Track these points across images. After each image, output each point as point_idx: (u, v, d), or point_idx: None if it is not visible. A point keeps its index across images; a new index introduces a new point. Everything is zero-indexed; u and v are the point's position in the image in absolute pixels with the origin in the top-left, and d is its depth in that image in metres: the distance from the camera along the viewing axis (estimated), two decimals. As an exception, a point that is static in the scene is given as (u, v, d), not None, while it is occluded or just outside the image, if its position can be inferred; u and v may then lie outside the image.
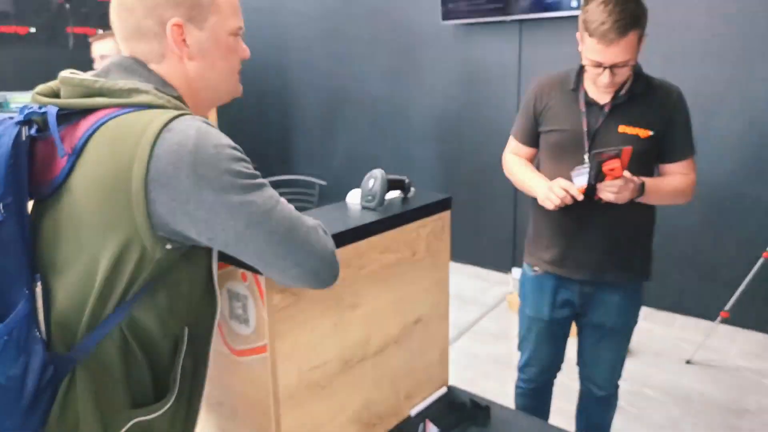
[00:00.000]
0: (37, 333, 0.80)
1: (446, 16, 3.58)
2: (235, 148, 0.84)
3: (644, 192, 1.55)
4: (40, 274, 0.83)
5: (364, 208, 1.28)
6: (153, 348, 0.88)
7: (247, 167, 0.85)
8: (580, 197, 1.53)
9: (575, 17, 3.05)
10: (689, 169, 1.64)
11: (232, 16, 0.94)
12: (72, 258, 0.82)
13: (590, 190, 1.52)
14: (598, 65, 1.50)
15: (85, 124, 0.82)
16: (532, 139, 1.77)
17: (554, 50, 3.31)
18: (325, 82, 4.48)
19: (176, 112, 0.82)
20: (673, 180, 1.62)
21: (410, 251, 1.30)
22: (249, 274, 1.00)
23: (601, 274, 1.68)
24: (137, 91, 0.84)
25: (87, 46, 2.91)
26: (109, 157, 0.79)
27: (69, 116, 0.84)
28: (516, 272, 3.77)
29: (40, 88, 0.90)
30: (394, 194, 1.37)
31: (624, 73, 1.52)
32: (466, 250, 3.87)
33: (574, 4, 3.06)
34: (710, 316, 2.98)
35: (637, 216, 1.65)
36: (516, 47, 3.47)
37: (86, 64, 3.01)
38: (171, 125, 0.79)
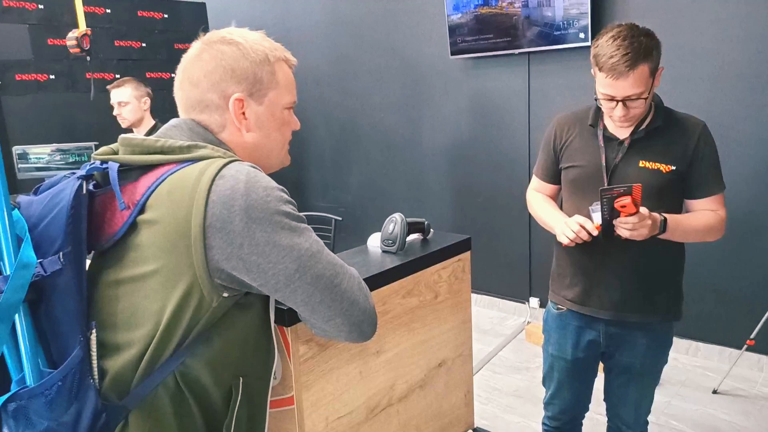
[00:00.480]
0: (91, 380, 0.82)
1: (454, 51, 3.63)
2: (282, 191, 0.88)
3: (666, 229, 1.51)
4: (96, 321, 0.85)
5: (384, 251, 1.29)
6: (206, 397, 0.89)
7: (295, 210, 0.89)
8: (596, 233, 1.52)
9: (582, 48, 3.12)
10: (718, 206, 1.59)
11: (288, 92, 1.01)
12: (135, 309, 0.84)
13: (608, 228, 1.50)
14: (611, 99, 1.50)
15: (147, 181, 0.86)
16: (554, 176, 1.77)
17: (562, 81, 3.34)
18: (337, 116, 4.54)
19: (226, 159, 0.86)
20: (700, 216, 1.58)
21: (432, 294, 1.30)
22: (274, 325, 1.01)
23: (625, 314, 1.64)
24: (196, 146, 0.89)
25: (107, 91, 3.00)
26: (169, 209, 0.82)
27: (129, 173, 0.88)
28: (534, 302, 3.73)
29: (100, 150, 0.93)
30: (414, 237, 1.38)
31: (638, 107, 1.50)
32: (481, 280, 3.85)
33: (581, 36, 3.09)
34: (734, 344, 2.93)
35: (662, 254, 1.60)
36: (525, 79, 3.50)
37: (105, 109, 3.09)
38: (222, 172, 0.83)
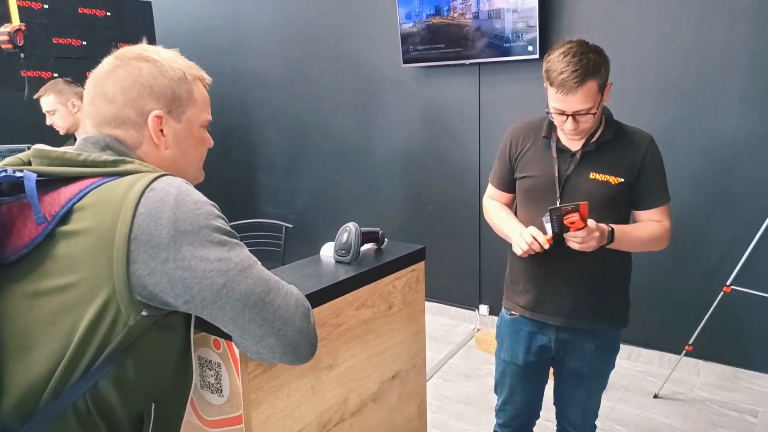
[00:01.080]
0: None
1: (407, 60, 3.65)
2: (214, 206, 0.86)
3: (613, 239, 1.56)
4: None
5: (338, 262, 1.26)
6: (116, 422, 0.83)
7: (226, 225, 0.86)
8: (547, 246, 1.55)
9: (530, 61, 3.19)
10: (663, 216, 1.66)
11: (204, 110, 1.00)
12: (46, 325, 0.79)
13: (559, 241, 1.54)
14: (562, 113, 1.54)
15: (68, 192, 0.82)
16: (509, 185, 1.80)
17: (511, 92, 3.40)
18: (287, 120, 4.47)
19: (158, 173, 0.85)
20: (647, 227, 1.64)
21: (386, 305, 1.28)
22: (221, 340, 0.96)
23: (575, 321, 1.68)
24: (123, 161, 0.87)
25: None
26: (93, 221, 0.79)
27: (46, 184, 0.83)
28: (483, 309, 3.77)
29: (9, 160, 0.89)
30: (368, 246, 1.35)
31: (587, 121, 1.55)
32: (432, 287, 3.86)
33: (530, 48, 3.16)
34: (674, 350, 3.04)
35: (611, 263, 1.65)
36: (475, 89, 3.55)
37: (41, 110, 2.92)
38: (153, 185, 0.82)
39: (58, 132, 2.93)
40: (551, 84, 1.52)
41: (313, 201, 4.46)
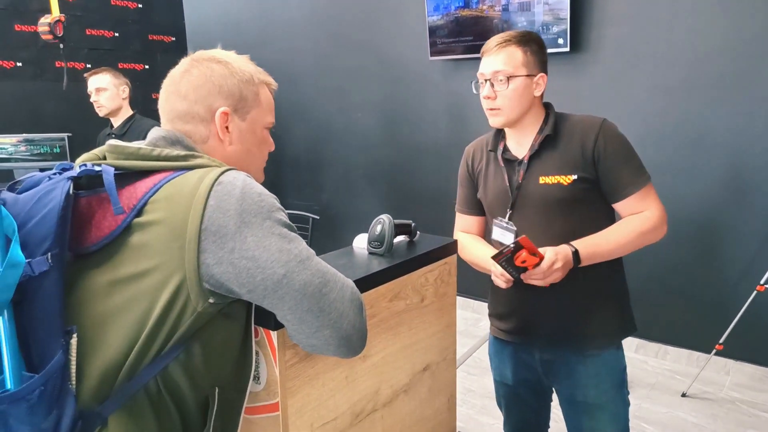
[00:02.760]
0: (70, 385, 0.81)
1: (434, 53, 3.63)
2: (275, 199, 0.91)
3: (580, 259, 1.40)
4: (77, 325, 0.83)
5: (371, 253, 1.27)
6: (184, 404, 0.88)
7: (286, 218, 0.90)
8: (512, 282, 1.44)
9: (561, 54, 3.15)
10: (644, 203, 1.45)
11: (268, 112, 1.08)
12: (123, 311, 0.83)
13: (519, 280, 1.42)
14: (483, 78, 1.51)
15: (144, 186, 0.87)
16: (476, 206, 1.69)
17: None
18: (313, 114, 4.49)
19: (225, 168, 0.90)
20: (622, 227, 1.46)
21: (419, 297, 1.28)
22: (260, 329, 0.97)
23: (555, 341, 1.54)
24: (193, 156, 0.92)
25: (79, 81, 2.90)
26: (167, 212, 0.84)
27: (122, 178, 0.88)
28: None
29: (85, 155, 0.94)
30: (400, 239, 1.36)
31: (504, 89, 1.46)
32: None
33: (560, 41, 3.12)
34: (702, 348, 2.99)
35: (593, 275, 1.47)
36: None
37: (76, 100, 2.98)
38: (221, 179, 0.86)
39: (94, 120, 2.98)
40: (480, 54, 1.53)
41: (337, 195, 4.48)
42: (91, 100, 2.90)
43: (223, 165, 0.93)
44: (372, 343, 1.15)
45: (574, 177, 1.45)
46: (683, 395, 2.82)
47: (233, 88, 1.00)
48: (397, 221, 1.30)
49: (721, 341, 2.74)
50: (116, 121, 2.97)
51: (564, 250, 1.39)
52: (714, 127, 2.86)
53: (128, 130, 2.92)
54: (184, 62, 1.02)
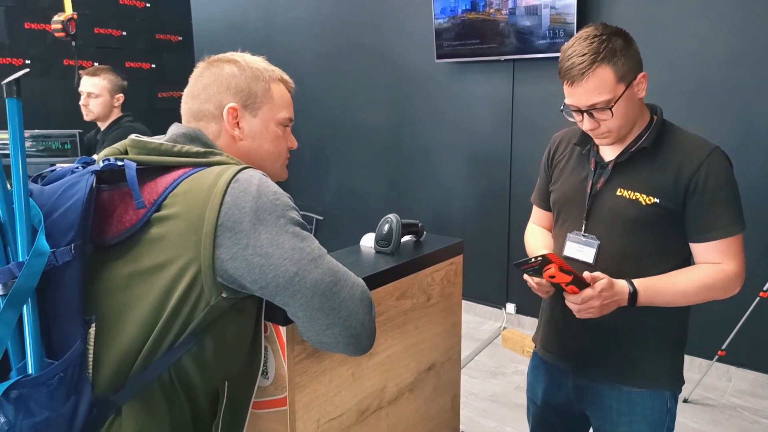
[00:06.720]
0: (87, 373, 0.83)
1: (440, 55, 3.64)
2: (289, 198, 0.93)
3: (636, 302, 1.23)
4: (96, 315, 0.85)
5: (378, 252, 1.28)
6: (195, 396, 0.91)
7: (299, 217, 0.92)
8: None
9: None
10: (729, 253, 1.27)
11: (283, 108, 1.08)
12: (139, 302, 0.85)
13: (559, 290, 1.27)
14: (577, 110, 1.27)
15: (165, 181, 0.89)
16: (549, 200, 1.53)
17: (547, 89, 3.37)
18: (318, 115, 4.51)
19: (241, 166, 0.92)
20: (693, 274, 1.27)
21: (425, 296, 1.29)
22: (269, 324, 0.98)
23: (587, 367, 1.40)
24: (213, 153, 0.95)
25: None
26: (185, 207, 0.86)
27: (144, 173, 0.90)
28: (510, 307, 3.76)
29: (107, 150, 0.97)
30: (407, 238, 1.37)
31: (607, 118, 1.24)
32: (459, 285, 3.86)
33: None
34: (705, 354, 2.99)
35: (647, 312, 1.28)
36: (509, 86, 3.53)
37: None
38: (238, 176, 0.89)
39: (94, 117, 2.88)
40: (561, 77, 1.27)
41: (341, 195, 4.49)
42: (81, 102, 2.76)
43: (240, 163, 0.95)
44: (379, 341, 1.16)
45: (656, 200, 1.26)
46: (685, 401, 2.82)
47: (242, 84, 1.02)
48: (405, 221, 1.31)
49: (723, 347, 2.74)
50: (103, 125, 2.83)
51: (621, 289, 1.22)
52: (718, 135, 2.85)
53: (110, 137, 2.74)
54: (200, 65, 1.06)
